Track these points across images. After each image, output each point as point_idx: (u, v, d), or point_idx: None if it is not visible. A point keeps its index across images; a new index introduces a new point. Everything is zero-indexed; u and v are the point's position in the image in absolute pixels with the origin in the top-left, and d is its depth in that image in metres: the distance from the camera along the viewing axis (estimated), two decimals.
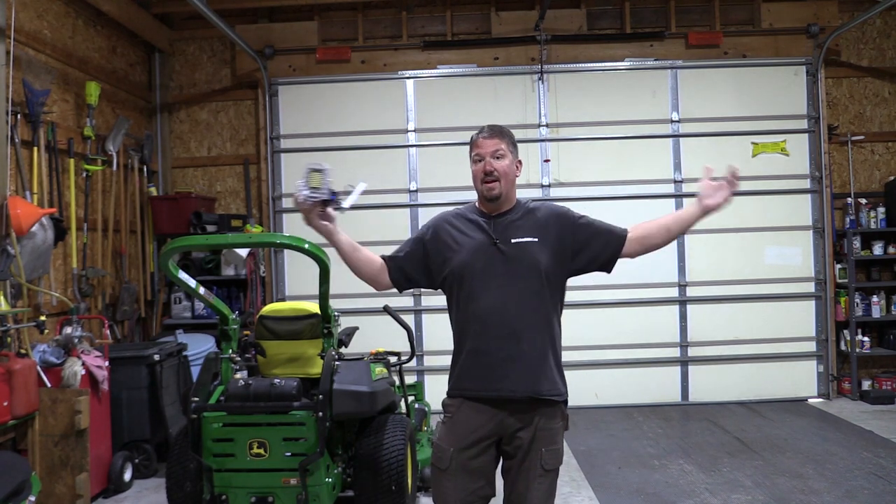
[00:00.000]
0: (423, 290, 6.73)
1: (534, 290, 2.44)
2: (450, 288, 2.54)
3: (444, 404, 2.57)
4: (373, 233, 6.92)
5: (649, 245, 2.55)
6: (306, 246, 3.56)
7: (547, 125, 6.96)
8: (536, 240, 2.47)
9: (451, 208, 2.69)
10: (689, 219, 2.57)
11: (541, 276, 2.45)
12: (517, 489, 2.47)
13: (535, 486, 2.44)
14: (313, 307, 4.07)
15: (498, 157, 2.49)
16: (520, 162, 2.59)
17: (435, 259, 2.55)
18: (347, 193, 2.46)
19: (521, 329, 2.42)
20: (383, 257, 2.58)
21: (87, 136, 5.65)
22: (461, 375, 2.50)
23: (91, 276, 5.64)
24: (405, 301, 6.86)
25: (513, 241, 2.47)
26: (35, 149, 5.03)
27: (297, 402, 3.66)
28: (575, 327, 6.59)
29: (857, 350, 6.88)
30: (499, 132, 2.53)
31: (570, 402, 2.58)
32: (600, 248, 2.52)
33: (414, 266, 2.58)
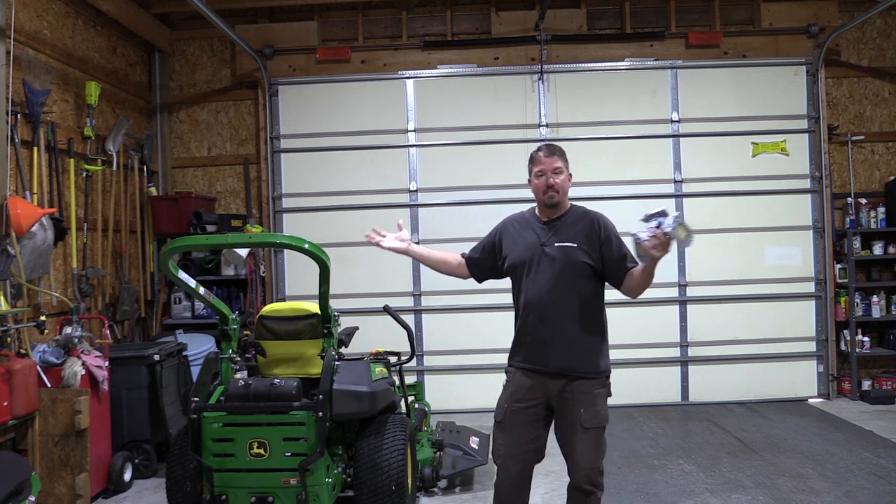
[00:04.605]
0: (422, 291, 6.83)
1: (570, 286, 2.96)
2: (510, 278, 3.14)
3: (505, 370, 3.13)
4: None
5: (630, 291, 3.00)
6: (306, 246, 3.57)
7: (547, 125, 6.95)
8: (576, 245, 2.98)
9: (516, 212, 3.25)
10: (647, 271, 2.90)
11: (578, 274, 2.97)
12: (565, 445, 2.99)
13: (578, 441, 2.92)
14: (313, 307, 4.07)
15: (557, 173, 3.03)
16: (570, 175, 3.10)
17: (501, 254, 3.16)
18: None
19: (558, 317, 2.95)
20: (463, 255, 3.28)
21: (87, 136, 5.65)
22: (514, 350, 3.10)
23: (91, 276, 5.64)
24: (405, 301, 6.87)
25: (557, 244, 3.00)
26: (35, 149, 5.03)
27: (297, 402, 3.66)
28: None
29: (857, 350, 6.88)
30: (556, 151, 3.08)
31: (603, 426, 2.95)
32: (610, 270, 3.02)
33: (489, 264, 3.22)
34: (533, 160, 3.09)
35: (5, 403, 3.84)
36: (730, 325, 6.90)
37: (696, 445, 5.47)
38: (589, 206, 6.81)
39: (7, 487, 3.55)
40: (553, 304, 2.95)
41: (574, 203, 3.14)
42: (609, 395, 3.04)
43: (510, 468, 2.99)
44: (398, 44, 7.17)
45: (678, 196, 6.94)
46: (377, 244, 3.22)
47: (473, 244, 3.33)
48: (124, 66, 6.71)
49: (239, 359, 4.01)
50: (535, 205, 3.18)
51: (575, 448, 2.93)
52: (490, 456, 3.24)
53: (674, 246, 2.66)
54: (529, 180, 3.11)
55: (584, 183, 6.88)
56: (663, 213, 2.66)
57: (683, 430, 5.98)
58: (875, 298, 6.97)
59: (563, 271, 2.95)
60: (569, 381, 2.94)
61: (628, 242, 2.84)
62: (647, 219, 2.69)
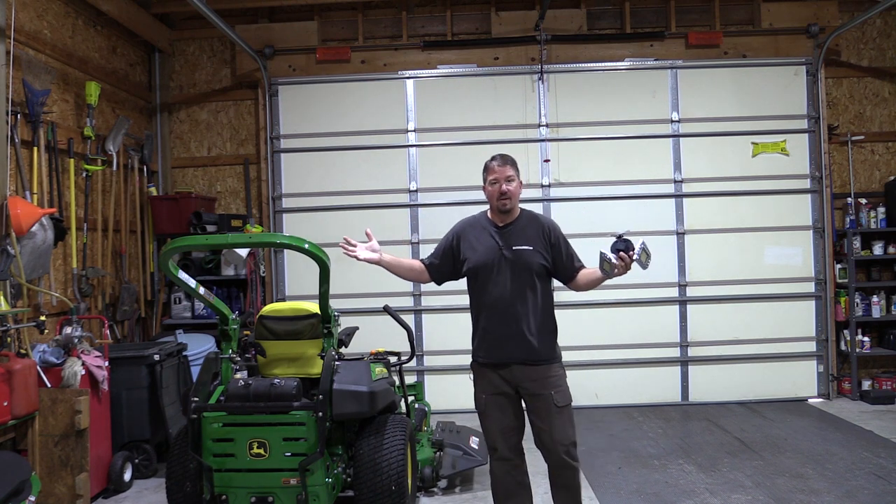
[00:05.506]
0: (422, 291, 6.83)
1: (528, 286, 3.26)
2: (468, 280, 3.40)
3: (470, 367, 3.45)
4: (374, 233, 6.94)
5: (577, 288, 3.37)
6: (306, 246, 3.57)
7: (547, 125, 6.95)
8: (531, 248, 3.29)
9: (467, 216, 3.50)
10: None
11: (533, 275, 3.28)
12: (541, 425, 3.25)
13: (554, 419, 3.22)
14: (313, 307, 4.07)
15: (509, 181, 3.31)
16: (521, 182, 3.40)
17: (459, 258, 3.40)
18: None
19: (517, 314, 3.24)
20: (423, 261, 3.53)
21: (87, 136, 5.65)
22: (477, 347, 3.39)
23: (91, 276, 5.64)
24: (405, 301, 6.86)
25: (514, 248, 3.29)
26: (35, 149, 5.03)
27: (297, 402, 3.67)
28: (575, 327, 6.60)
29: (857, 350, 6.88)
30: (509, 161, 3.35)
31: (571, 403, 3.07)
32: (560, 270, 3.36)
33: (447, 268, 3.47)
34: (487, 169, 3.37)
35: (5, 403, 3.84)
36: (730, 325, 6.90)
37: (696, 445, 5.47)
38: (589, 205, 6.97)
39: (7, 487, 3.55)
40: (514, 302, 3.24)
41: (524, 208, 3.43)
42: (565, 375, 3.34)
43: (502, 444, 3.32)
44: (398, 44, 7.17)
45: (678, 196, 6.93)
46: (354, 257, 3.38)
47: None
48: (124, 66, 6.71)
49: (239, 359, 4.01)
50: (486, 208, 3.46)
51: (553, 426, 3.21)
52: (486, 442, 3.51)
53: (635, 266, 3.01)
54: (484, 187, 3.38)
55: (584, 183, 6.92)
56: (628, 239, 3.01)
57: (683, 430, 5.98)
58: (875, 298, 6.97)
59: (522, 272, 3.26)
60: (533, 368, 3.24)
61: (595, 258, 3.07)
62: (616, 239, 3.02)
